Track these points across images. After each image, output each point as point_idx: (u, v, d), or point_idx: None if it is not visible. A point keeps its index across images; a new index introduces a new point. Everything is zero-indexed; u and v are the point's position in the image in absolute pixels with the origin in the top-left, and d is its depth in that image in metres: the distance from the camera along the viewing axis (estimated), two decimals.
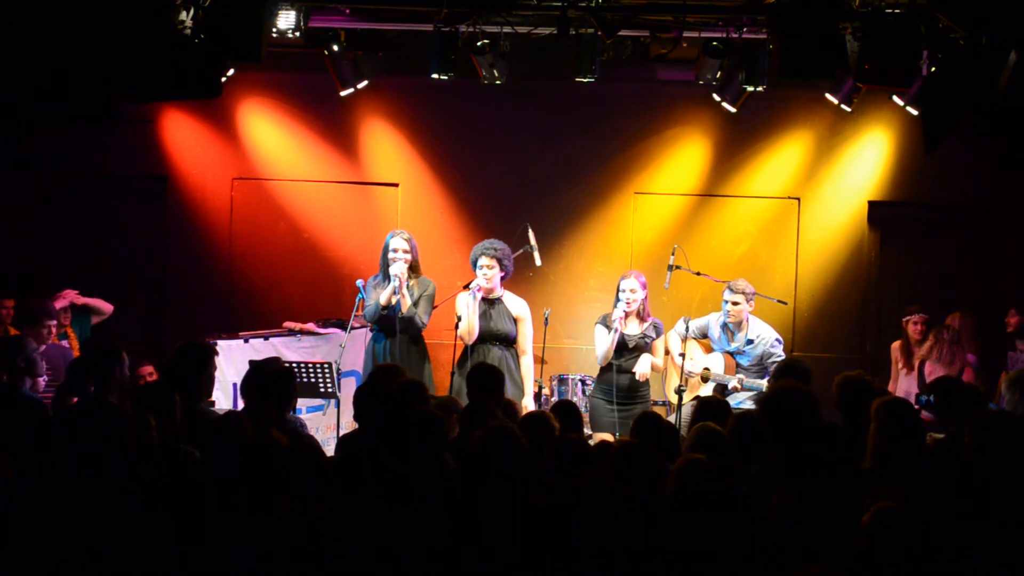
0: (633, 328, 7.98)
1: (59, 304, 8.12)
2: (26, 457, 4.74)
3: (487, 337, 7.90)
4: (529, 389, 7.94)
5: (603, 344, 7.97)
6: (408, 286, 7.95)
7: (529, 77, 9.35)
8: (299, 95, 9.88)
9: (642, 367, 7.90)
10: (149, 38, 7.01)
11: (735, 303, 8.04)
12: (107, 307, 8.58)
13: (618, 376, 7.90)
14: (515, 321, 7.99)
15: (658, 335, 8.03)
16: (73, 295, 8.33)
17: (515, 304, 8.06)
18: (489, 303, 7.96)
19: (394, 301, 7.84)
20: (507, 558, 4.16)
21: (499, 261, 7.91)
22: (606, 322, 8.03)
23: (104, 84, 7.03)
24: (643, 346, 7.96)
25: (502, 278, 7.99)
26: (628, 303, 7.90)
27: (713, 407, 5.73)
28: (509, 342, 7.96)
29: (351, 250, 9.95)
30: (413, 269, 8.01)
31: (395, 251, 7.92)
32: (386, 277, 7.95)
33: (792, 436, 4.75)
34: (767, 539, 3.91)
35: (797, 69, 7.37)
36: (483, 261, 7.90)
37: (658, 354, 8.04)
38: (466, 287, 8.16)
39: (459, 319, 7.97)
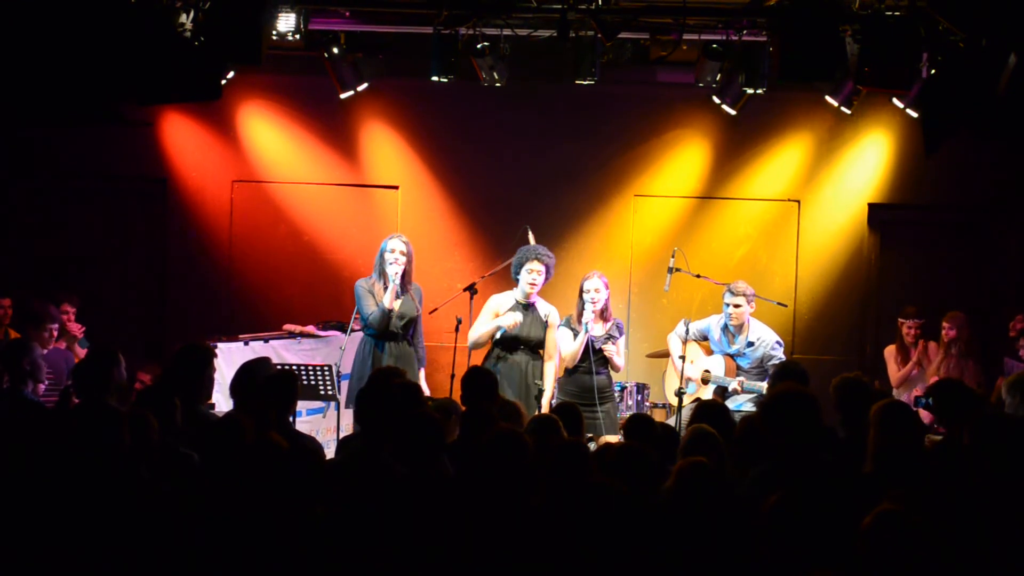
0: (597, 329, 7.94)
1: (68, 325, 8.20)
2: (27, 460, 4.75)
3: (520, 343, 7.86)
4: (548, 392, 7.90)
5: (570, 346, 7.91)
6: (403, 293, 7.90)
7: (529, 80, 9.35)
8: (299, 97, 9.88)
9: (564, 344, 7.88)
10: (149, 41, 7.00)
11: (736, 305, 8.03)
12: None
13: (587, 377, 7.87)
14: (546, 327, 7.95)
15: (620, 334, 7.99)
16: (77, 329, 8.31)
17: (547, 310, 8.01)
18: (525, 310, 7.94)
19: (396, 305, 7.82)
20: (506, 559, 4.16)
21: (547, 268, 7.88)
22: (570, 324, 7.98)
23: (104, 87, 7.02)
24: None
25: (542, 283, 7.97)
26: (593, 302, 7.87)
27: (711, 410, 5.72)
28: (538, 349, 7.94)
29: (351, 252, 9.95)
30: (406, 276, 7.92)
31: (392, 252, 7.86)
32: (381, 277, 7.89)
33: (793, 439, 4.75)
34: (765, 541, 3.90)
35: (797, 71, 7.37)
36: (533, 265, 7.80)
37: (621, 354, 7.98)
38: (466, 290, 8.14)
39: (459, 321, 7.95)
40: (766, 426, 4.81)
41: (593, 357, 7.85)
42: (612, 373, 8.06)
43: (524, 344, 7.86)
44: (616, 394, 8.16)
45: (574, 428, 5.62)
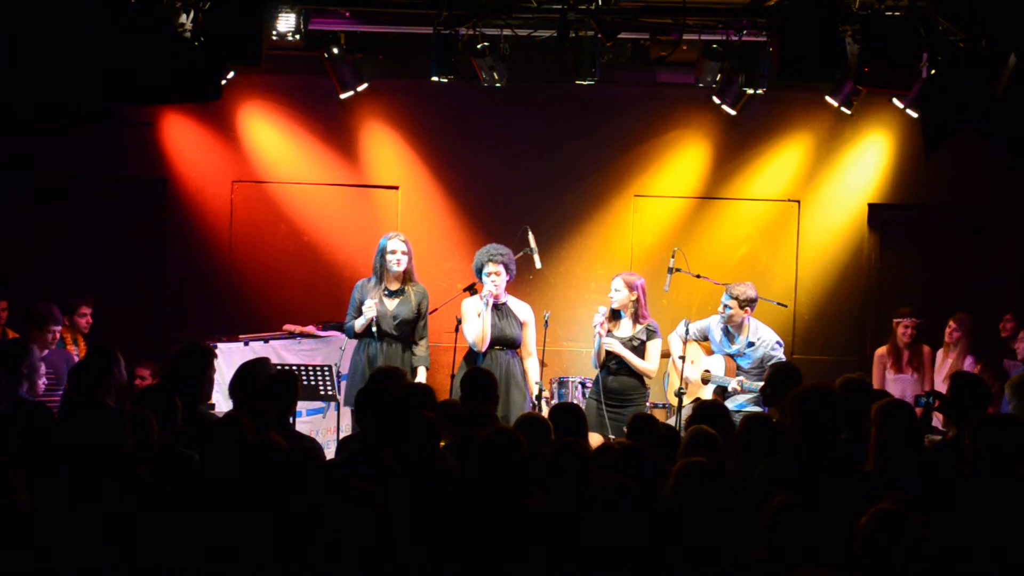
0: (625, 330, 7.95)
1: (81, 321, 8.22)
2: (27, 460, 4.74)
3: (496, 342, 7.89)
4: (533, 390, 7.94)
5: (594, 347, 7.98)
6: (403, 291, 7.96)
7: (529, 80, 9.33)
8: (299, 98, 9.87)
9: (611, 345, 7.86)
10: (149, 41, 7.00)
11: (727, 307, 8.03)
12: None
13: (605, 378, 7.89)
14: (521, 325, 7.99)
15: (649, 338, 7.97)
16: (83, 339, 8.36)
17: (520, 308, 8.06)
18: (496, 308, 7.94)
19: (392, 305, 7.88)
20: (506, 559, 4.16)
21: (505, 266, 7.91)
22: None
23: (104, 87, 7.02)
24: (634, 348, 7.91)
25: (507, 281, 7.99)
26: (610, 301, 7.92)
27: (711, 410, 5.72)
28: (516, 346, 7.97)
29: (351, 253, 9.94)
30: (407, 274, 8.00)
31: (393, 252, 7.92)
32: (380, 280, 7.96)
33: (814, 436, 4.83)
34: (767, 540, 3.90)
35: (797, 71, 7.37)
36: (490, 268, 7.88)
37: (649, 358, 7.96)
38: (466, 290, 8.15)
39: (459, 322, 7.97)
40: (795, 419, 4.87)
41: (611, 359, 7.87)
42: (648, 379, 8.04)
43: (503, 343, 7.89)
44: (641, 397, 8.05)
45: (574, 428, 5.62)
